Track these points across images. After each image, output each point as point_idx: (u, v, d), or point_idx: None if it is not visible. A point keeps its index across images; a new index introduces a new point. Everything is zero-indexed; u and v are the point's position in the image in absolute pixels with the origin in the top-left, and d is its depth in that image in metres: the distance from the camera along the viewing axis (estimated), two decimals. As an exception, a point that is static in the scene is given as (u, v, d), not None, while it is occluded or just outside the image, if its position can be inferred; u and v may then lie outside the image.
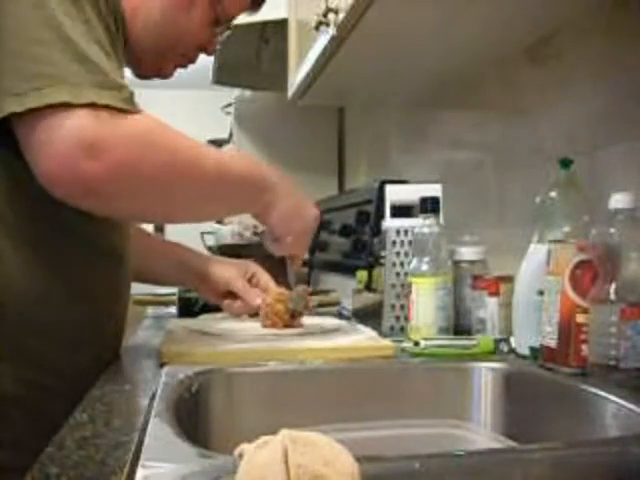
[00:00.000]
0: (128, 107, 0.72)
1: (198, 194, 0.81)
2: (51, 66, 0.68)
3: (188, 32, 0.93)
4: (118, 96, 0.71)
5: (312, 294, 1.18)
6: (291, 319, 1.04)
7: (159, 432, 0.54)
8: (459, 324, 1.06)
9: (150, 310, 1.55)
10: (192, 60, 0.98)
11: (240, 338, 0.96)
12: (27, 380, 0.79)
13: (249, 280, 1.11)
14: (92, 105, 0.68)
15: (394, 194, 1.21)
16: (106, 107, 0.69)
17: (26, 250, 0.77)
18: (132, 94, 0.73)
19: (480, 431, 0.84)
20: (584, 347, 0.74)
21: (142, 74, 0.97)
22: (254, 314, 1.08)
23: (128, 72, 0.93)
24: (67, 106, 0.67)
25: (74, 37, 0.70)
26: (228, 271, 1.10)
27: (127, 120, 0.71)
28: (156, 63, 0.95)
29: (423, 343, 0.91)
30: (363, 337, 0.99)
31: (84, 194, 0.71)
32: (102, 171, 0.69)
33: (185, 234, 1.71)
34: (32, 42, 0.69)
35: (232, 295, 1.10)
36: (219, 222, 2.14)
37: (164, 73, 0.97)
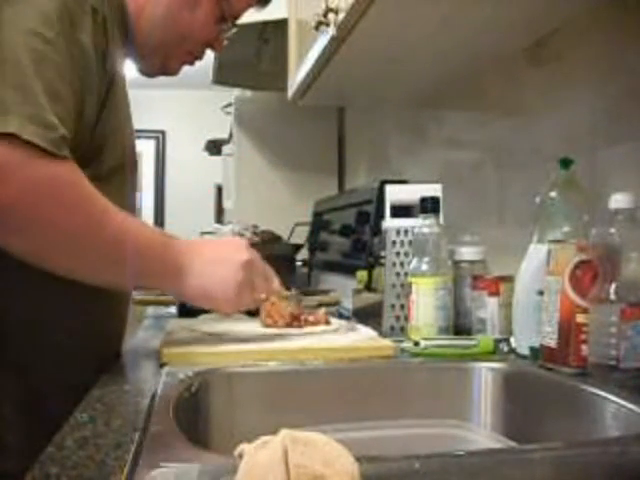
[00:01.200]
0: (51, 149, 0.67)
1: (92, 255, 0.76)
2: None
3: (193, 29, 0.93)
4: (44, 134, 0.67)
5: (308, 294, 1.18)
6: (295, 320, 1.04)
7: (159, 432, 0.54)
8: (459, 324, 1.06)
9: (150, 310, 1.55)
10: (199, 57, 0.99)
11: (240, 338, 0.96)
12: (28, 386, 0.79)
13: None
14: (13, 136, 0.65)
15: (394, 194, 1.21)
16: (28, 143, 0.66)
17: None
18: (64, 138, 0.69)
19: (480, 431, 0.84)
20: (584, 347, 0.74)
21: (148, 71, 0.97)
22: (255, 313, 1.08)
23: (130, 71, 0.93)
24: None
25: (24, 61, 0.68)
26: None
27: (42, 162, 0.67)
28: (162, 60, 0.95)
29: (423, 343, 0.91)
30: (363, 337, 0.99)
31: None
32: None
33: (185, 235, 1.71)
34: None
35: None
36: (219, 222, 2.14)
37: (170, 70, 0.97)
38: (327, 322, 1.08)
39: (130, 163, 0.91)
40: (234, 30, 1.00)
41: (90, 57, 0.76)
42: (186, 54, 0.96)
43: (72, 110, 0.73)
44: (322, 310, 1.11)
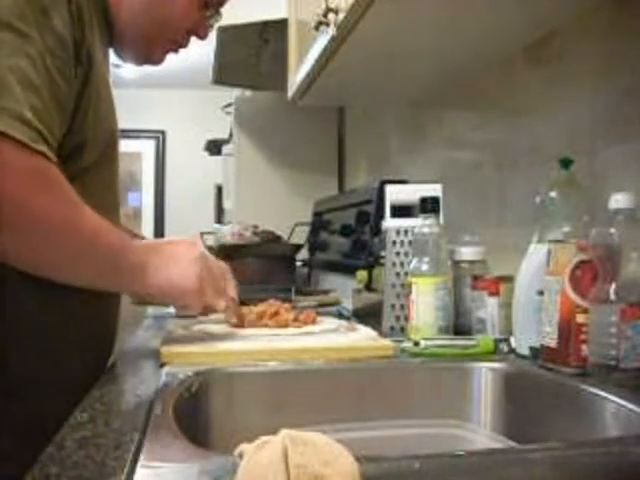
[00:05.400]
0: (27, 141, 0.67)
1: (67, 251, 0.75)
2: None
3: (175, 17, 0.92)
4: (20, 128, 0.67)
5: (310, 294, 1.18)
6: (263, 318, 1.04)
7: (159, 432, 0.54)
8: (459, 324, 1.06)
9: (150, 310, 1.55)
10: (182, 45, 0.98)
11: (240, 338, 0.96)
12: (23, 390, 0.79)
13: None
14: None
15: (394, 194, 1.21)
16: (5, 136, 0.65)
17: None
18: (39, 133, 0.69)
19: (480, 431, 0.84)
20: (584, 347, 0.74)
21: (132, 61, 0.97)
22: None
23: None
24: None
25: None
26: None
27: (19, 152, 0.67)
28: (145, 49, 0.95)
29: (423, 343, 0.91)
30: (363, 337, 0.99)
31: None
32: None
33: (185, 235, 1.71)
34: None
35: None
36: (219, 222, 2.14)
37: (153, 59, 0.97)
38: (314, 322, 1.08)
39: (112, 154, 0.90)
40: (218, 17, 0.99)
41: (67, 46, 0.76)
42: (169, 42, 0.96)
43: (50, 100, 0.72)
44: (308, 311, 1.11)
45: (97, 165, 0.84)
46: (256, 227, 1.93)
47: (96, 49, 0.83)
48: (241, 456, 0.42)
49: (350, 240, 1.55)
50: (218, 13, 0.99)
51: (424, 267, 1.03)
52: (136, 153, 4.96)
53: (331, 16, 1.14)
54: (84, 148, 0.81)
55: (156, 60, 0.97)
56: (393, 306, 1.13)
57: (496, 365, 0.86)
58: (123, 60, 0.97)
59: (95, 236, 0.77)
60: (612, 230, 0.73)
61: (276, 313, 1.06)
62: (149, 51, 0.95)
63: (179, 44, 0.97)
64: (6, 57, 0.68)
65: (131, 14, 0.89)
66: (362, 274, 1.28)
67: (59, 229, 0.73)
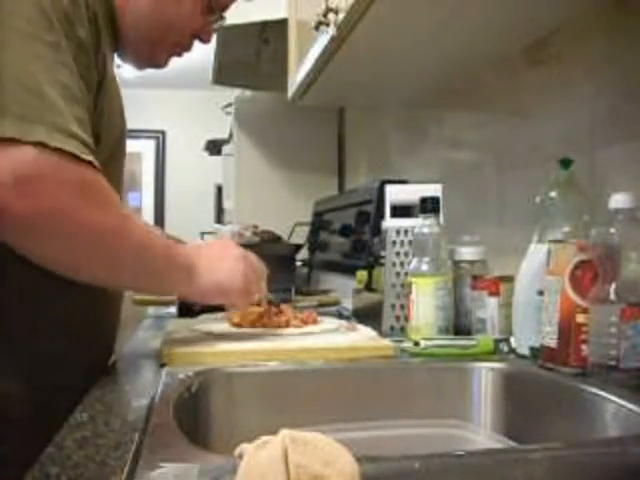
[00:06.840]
0: (78, 153, 0.68)
1: (122, 259, 0.77)
2: (5, 96, 0.65)
3: (179, 21, 0.92)
4: (68, 141, 0.68)
5: (310, 294, 1.18)
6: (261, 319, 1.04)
7: (159, 432, 0.54)
8: (459, 324, 1.06)
9: (150, 310, 1.55)
10: (187, 49, 0.98)
11: (240, 338, 0.96)
12: (28, 388, 0.79)
13: None
14: (42, 144, 0.65)
15: (394, 194, 1.21)
16: (57, 150, 0.66)
17: (21, 271, 0.76)
18: (85, 144, 0.70)
19: (480, 431, 0.84)
20: (584, 347, 0.74)
21: (136, 64, 0.97)
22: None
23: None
24: (14, 141, 0.64)
25: (35, 69, 0.68)
26: None
27: (72, 165, 0.68)
28: (149, 53, 0.95)
29: (423, 343, 0.91)
30: (363, 337, 0.99)
31: (12, 231, 0.67)
32: (32, 211, 0.66)
33: (185, 235, 1.71)
34: None
35: None
36: (219, 222, 2.14)
37: (158, 63, 0.97)
38: (314, 322, 1.08)
39: (120, 153, 0.91)
40: (222, 21, 0.99)
41: (89, 53, 0.76)
42: (173, 46, 0.96)
43: (86, 108, 0.74)
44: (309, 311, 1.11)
45: (105, 164, 0.84)
46: (256, 227, 1.93)
47: (108, 53, 0.83)
48: (241, 456, 0.42)
49: (350, 240, 1.55)
50: (222, 17, 0.99)
51: (424, 267, 1.03)
52: (136, 153, 4.96)
53: (331, 16, 1.14)
54: (96, 147, 0.81)
55: (160, 63, 0.98)
56: (393, 306, 1.13)
57: (496, 365, 0.86)
58: (127, 63, 0.97)
59: (143, 244, 0.79)
60: (612, 230, 0.73)
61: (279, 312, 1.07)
62: (153, 54, 0.96)
63: (183, 48, 0.98)
64: (45, 72, 0.69)
65: (136, 18, 0.89)
66: (362, 274, 1.28)
67: (108, 238, 0.74)
